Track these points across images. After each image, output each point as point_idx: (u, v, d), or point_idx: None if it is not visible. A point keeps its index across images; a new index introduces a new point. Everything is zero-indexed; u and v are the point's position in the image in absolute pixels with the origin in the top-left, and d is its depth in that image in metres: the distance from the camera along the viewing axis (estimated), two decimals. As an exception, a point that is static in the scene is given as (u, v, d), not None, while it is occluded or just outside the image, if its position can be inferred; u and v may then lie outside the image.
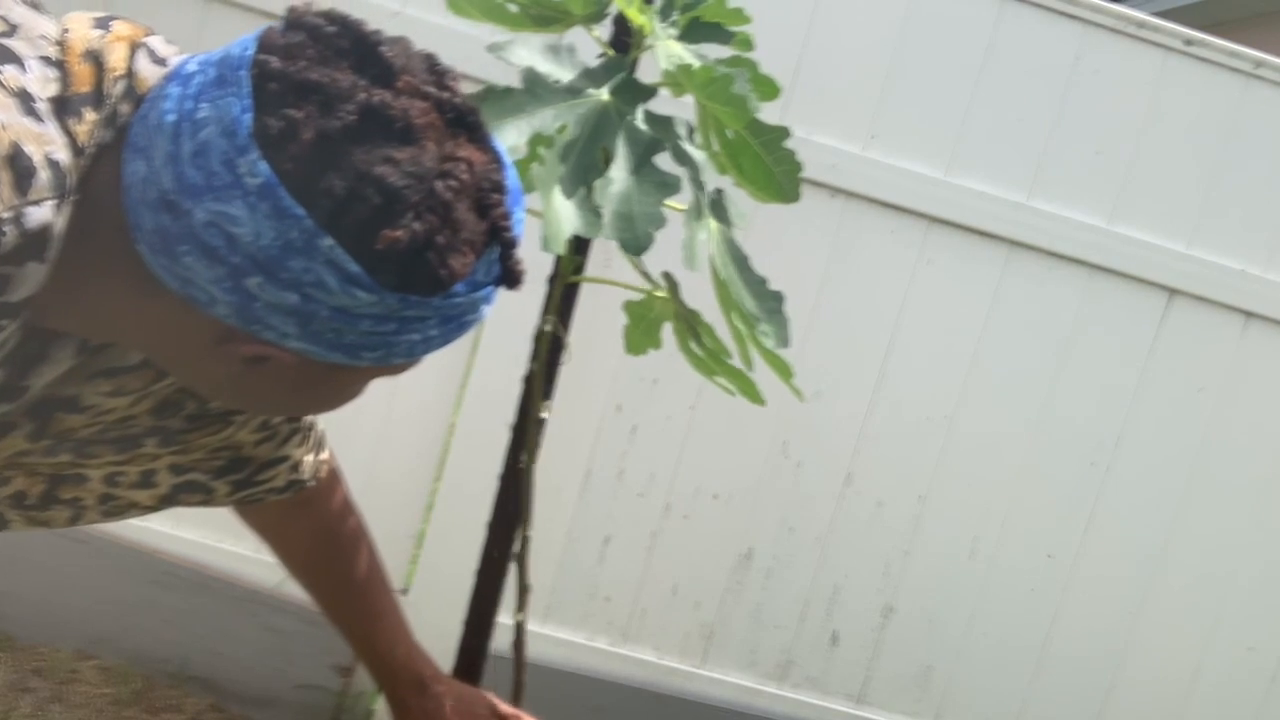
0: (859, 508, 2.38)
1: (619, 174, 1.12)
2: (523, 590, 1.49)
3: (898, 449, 2.36)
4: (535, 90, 1.10)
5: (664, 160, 1.20)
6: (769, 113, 1.28)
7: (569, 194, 1.08)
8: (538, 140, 1.11)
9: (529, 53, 1.14)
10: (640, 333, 1.42)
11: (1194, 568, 2.43)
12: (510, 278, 0.76)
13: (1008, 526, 2.40)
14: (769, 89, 1.34)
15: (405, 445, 2.28)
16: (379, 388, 2.32)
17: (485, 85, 1.09)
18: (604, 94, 1.13)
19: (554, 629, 2.34)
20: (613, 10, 1.21)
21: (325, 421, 2.29)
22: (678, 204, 1.26)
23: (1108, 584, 2.42)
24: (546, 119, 1.09)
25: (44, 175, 0.69)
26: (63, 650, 2.32)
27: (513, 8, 1.21)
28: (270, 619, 2.30)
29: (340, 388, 0.84)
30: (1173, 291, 2.35)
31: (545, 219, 1.07)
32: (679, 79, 1.17)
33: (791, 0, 2.22)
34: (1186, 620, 2.44)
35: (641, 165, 1.14)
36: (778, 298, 1.38)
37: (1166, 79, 2.28)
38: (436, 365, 2.26)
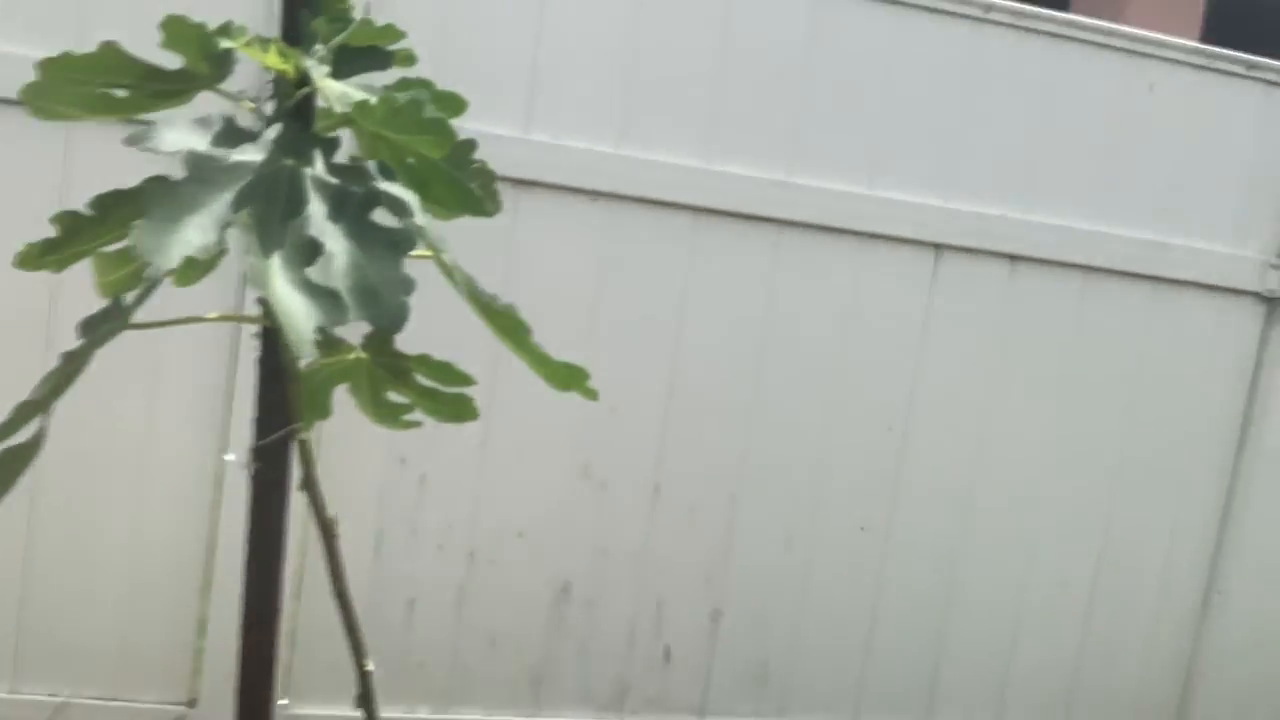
0: (672, 518, 2.28)
1: (337, 244, 0.95)
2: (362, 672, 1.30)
3: (701, 452, 2.27)
4: (204, 175, 0.91)
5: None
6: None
7: (296, 284, 0.90)
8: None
9: (180, 134, 0.95)
10: (310, 403, 1.26)
11: (1001, 514, 2.45)
12: None
13: (819, 508, 2.36)
14: (455, 104, 1.19)
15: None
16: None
17: (149, 189, 0.90)
18: (283, 158, 0.96)
19: (369, 709, 2.14)
20: (239, 60, 1.04)
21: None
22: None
23: (923, 546, 2.42)
24: (228, 204, 0.91)
25: None
26: None
27: (119, 93, 1.02)
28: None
29: None
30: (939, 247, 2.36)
31: (281, 323, 0.89)
32: (356, 119, 1.01)
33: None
34: (1002, 567, 2.47)
35: (359, 226, 0.97)
36: (512, 308, 1.25)
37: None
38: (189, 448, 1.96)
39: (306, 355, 0.89)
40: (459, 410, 1.35)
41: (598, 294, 2.18)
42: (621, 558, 2.27)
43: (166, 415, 1.99)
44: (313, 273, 0.94)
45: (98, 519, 2.00)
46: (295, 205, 0.96)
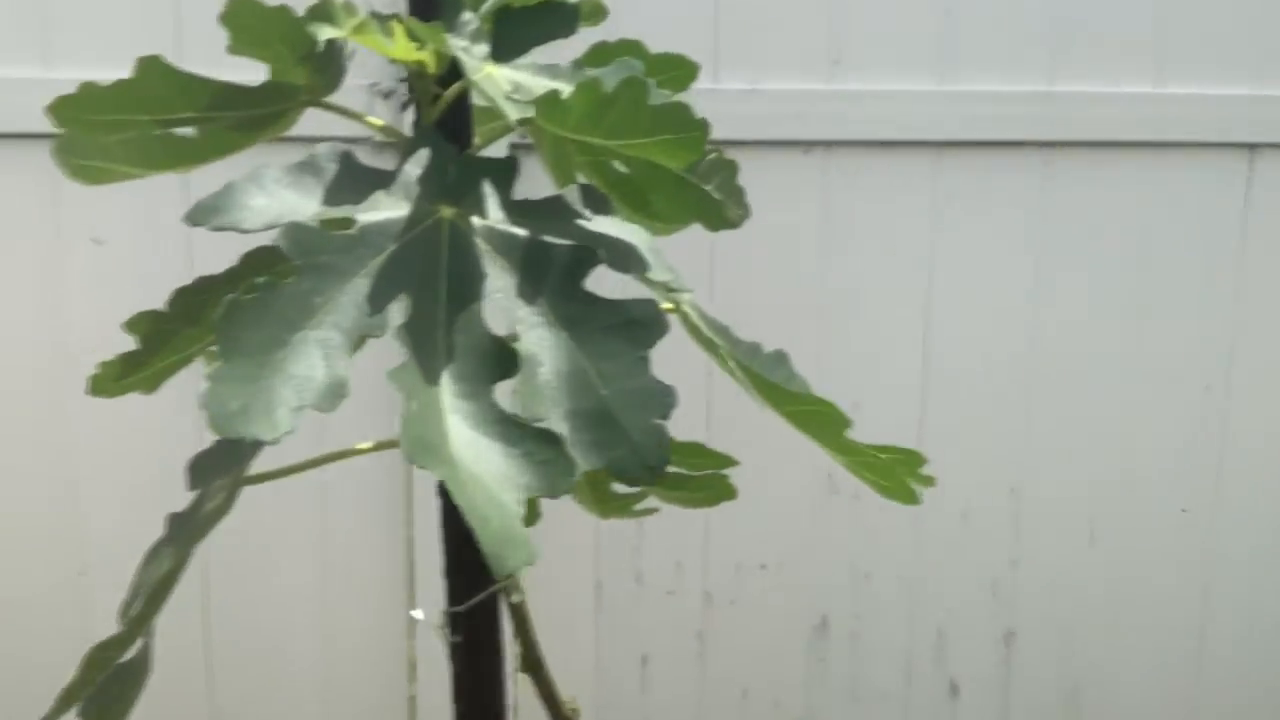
0: (943, 526, 1.87)
1: (540, 342, 0.57)
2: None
3: (970, 441, 1.84)
4: (319, 260, 0.55)
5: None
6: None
7: (481, 424, 0.53)
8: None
9: (272, 197, 0.58)
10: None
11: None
12: None
13: (1126, 491, 1.90)
14: (683, 72, 0.81)
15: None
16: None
17: (227, 302, 0.53)
18: (437, 207, 0.58)
19: (610, 786, 1.83)
20: (353, 53, 0.65)
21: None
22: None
23: (1260, 523, 1.93)
24: (360, 300, 0.54)
25: None
26: None
27: (184, 130, 0.65)
28: None
29: None
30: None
31: (465, 510, 0.52)
32: (542, 122, 0.62)
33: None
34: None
35: (571, 305, 0.59)
36: (781, 358, 0.88)
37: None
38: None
39: (515, 566, 0.51)
40: (713, 494, 0.97)
41: (823, 265, 1.77)
42: (887, 580, 1.87)
43: (339, 546, 1.67)
44: (504, 398, 0.57)
45: (282, 673, 1.72)
46: (466, 285, 0.58)
